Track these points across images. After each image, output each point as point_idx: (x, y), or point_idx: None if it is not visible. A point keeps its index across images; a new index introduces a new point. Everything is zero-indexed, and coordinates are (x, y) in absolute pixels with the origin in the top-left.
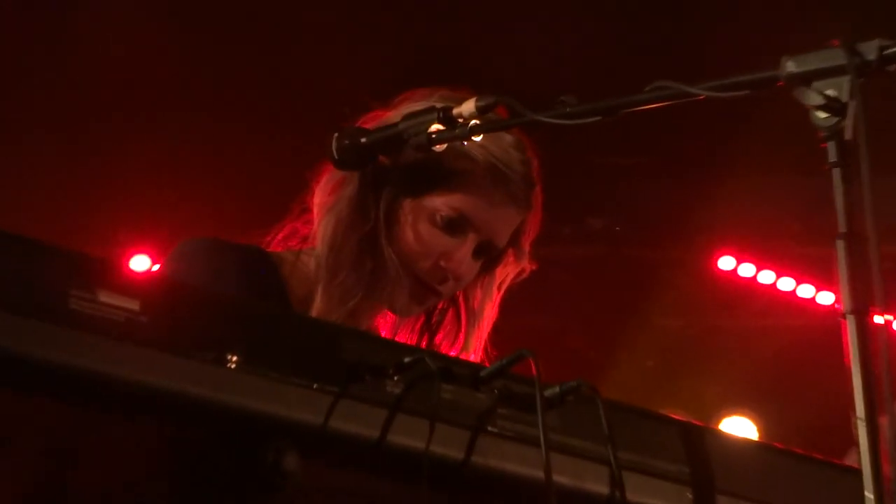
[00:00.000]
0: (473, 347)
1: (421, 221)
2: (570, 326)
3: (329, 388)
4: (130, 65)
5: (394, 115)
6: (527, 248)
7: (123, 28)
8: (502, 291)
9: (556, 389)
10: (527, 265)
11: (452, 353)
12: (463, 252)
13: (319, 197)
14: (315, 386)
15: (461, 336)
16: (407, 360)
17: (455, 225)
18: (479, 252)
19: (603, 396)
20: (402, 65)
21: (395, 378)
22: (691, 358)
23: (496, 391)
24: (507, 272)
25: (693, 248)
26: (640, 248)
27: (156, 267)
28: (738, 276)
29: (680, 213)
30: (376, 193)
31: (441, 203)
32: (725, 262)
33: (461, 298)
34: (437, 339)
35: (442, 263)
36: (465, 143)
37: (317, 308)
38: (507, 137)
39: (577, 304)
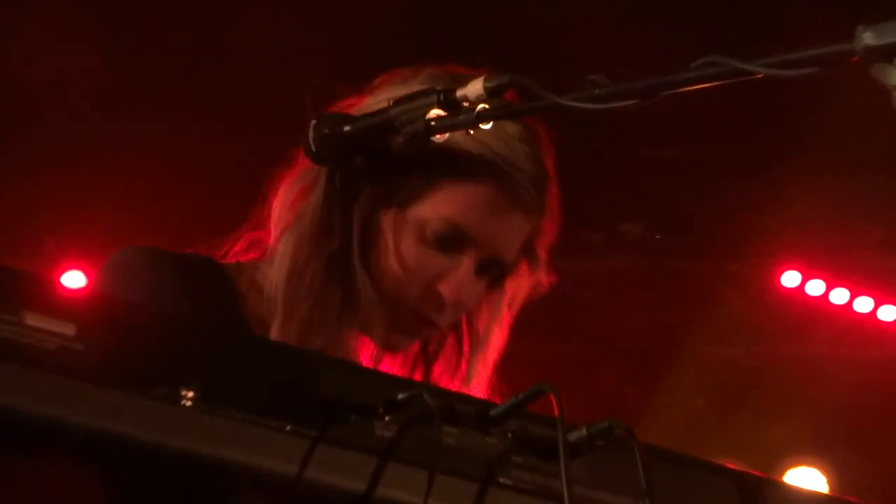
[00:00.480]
0: (477, 380)
1: (406, 238)
2: (600, 356)
3: (305, 430)
4: (57, 68)
5: (371, 102)
6: (543, 255)
7: (47, 33)
8: (514, 310)
9: (583, 432)
10: (543, 277)
11: (453, 386)
12: (461, 273)
13: (278, 210)
14: (288, 428)
15: (462, 366)
16: (401, 396)
17: (449, 241)
18: (483, 269)
19: (640, 440)
20: (376, 46)
21: (387, 418)
22: (749, 395)
23: (509, 434)
24: (518, 286)
25: (751, 260)
26: (686, 260)
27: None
28: (805, 294)
29: (735, 218)
30: (347, 204)
31: (430, 214)
32: (790, 278)
33: (463, 321)
34: (436, 371)
35: (436, 288)
36: (472, 131)
37: None
38: (511, 127)
39: (609, 328)
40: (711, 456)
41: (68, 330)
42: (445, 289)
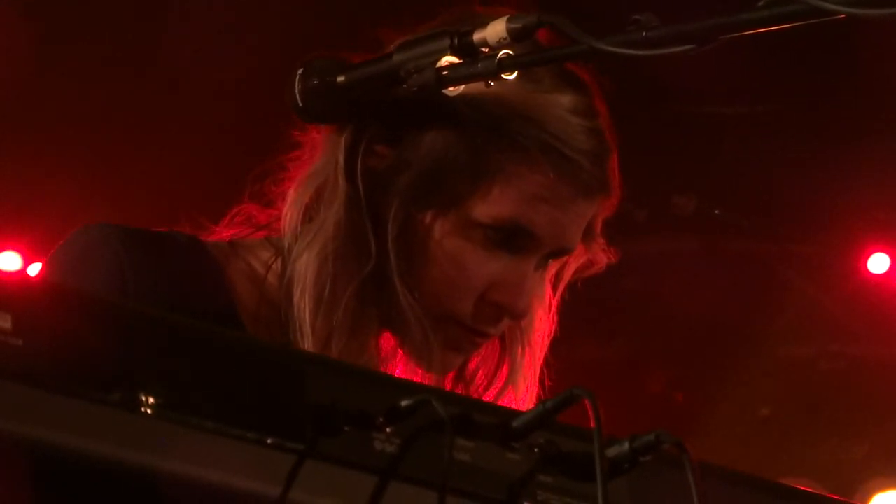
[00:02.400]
0: (526, 376)
1: (453, 243)
2: (645, 355)
3: (290, 443)
4: None
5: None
6: (598, 229)
7: None
8: (560, 292)
9: (625, 446)
10: (600, 255)
11: (494, 388)
12: (524, 278)
13: (291, 214)
14: (270, 440)
15: (505, 361)
16: (405, 402)
17: (507, 241)
18: (542, 262)
19: (693, 457)
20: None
21: (388, 430)
22: (826, 404)
23: (536, 449)
24: (565, 262)
25: (830, 241)
26: (750, 240)
27: (34, 268)
28: None
29: (811, 189)
30: (375, 209)
31: (482, 213)
32: (878, 263)
33: None
34: (472, 364)
35: (493, 298)
36: (493, 83)
37: None
38: (563, 100)
39: (656, 323)
40: (780, 476)
41: (3, 322)
42: (507, 298)
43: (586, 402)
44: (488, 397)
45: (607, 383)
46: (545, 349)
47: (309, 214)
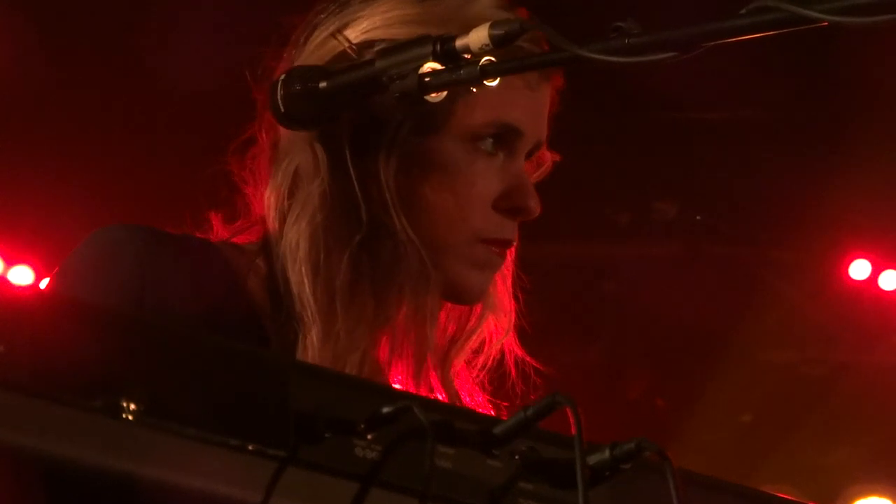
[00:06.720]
0: (503, 303)
1: (455, 158)
2: (626, 361)
3: (272, 450)
4: None
5: (320, 38)
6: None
7: None
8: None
9: (606, 454)
10: (546, 153)
11: (472, 321)
12: (522, 174)
13: (274, 199)
14: (251, 447)
15: (476, 308)
16: (386, 409)
17: (499, 143)
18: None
19: (675, 464)
20: None
21: (369, 436)
22: (809, 410)
23: (517, 456)
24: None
25: (811, 246)
26: (731, 245)
27: (46, 283)
28: (878, 288)
29: (792, 195)
30: (364, 163)
31: (471, 122)
32: (859, 269)
33: None
34: (450, 331)
35: (505, 204)
36: (474, 89)
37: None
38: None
39: (637, 327)
40: (761, 484)
41: None
42: (519, 199)
43: (567, 409)
44: (470, 327)
45: (588, 388)
46: (513, 269)
47: (291, 193)
